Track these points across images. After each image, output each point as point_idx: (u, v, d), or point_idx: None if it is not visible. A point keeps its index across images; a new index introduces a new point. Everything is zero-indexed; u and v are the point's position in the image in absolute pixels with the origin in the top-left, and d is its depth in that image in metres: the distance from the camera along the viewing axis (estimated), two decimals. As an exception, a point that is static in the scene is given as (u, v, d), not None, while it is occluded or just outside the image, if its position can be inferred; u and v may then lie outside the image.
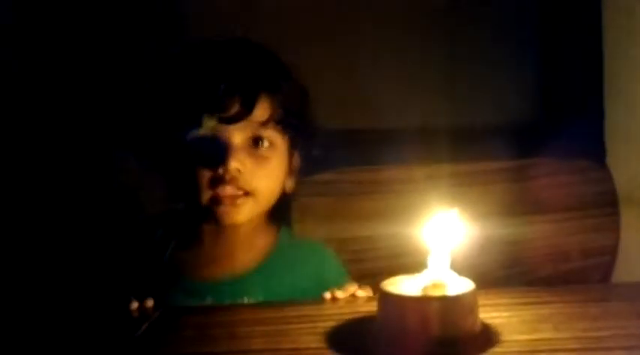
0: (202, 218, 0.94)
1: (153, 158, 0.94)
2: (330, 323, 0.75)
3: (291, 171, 0.97)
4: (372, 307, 0.74)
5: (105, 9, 1.31)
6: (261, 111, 0.89)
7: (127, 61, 1.30)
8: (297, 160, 0.97)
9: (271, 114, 0.90)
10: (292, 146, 0.95)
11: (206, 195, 0.89)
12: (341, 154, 1.20)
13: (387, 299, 0.71)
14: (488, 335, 0.71)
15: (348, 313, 0.79)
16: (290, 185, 0.97)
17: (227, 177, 0.88)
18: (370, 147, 1.23)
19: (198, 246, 0.96)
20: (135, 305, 0.83)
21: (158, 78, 0.92)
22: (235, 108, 0.87)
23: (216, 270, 0.94)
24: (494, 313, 0.75)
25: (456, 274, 0.73)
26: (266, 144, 0.91)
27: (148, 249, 0.97)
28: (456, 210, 0.74)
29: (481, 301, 0.71)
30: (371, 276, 1.07)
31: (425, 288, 0.71)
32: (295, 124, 0.93)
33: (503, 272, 1.08)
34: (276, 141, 0.92)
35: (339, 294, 0.87)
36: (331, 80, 1.28)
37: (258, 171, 0.90)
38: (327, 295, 0.87)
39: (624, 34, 1.20)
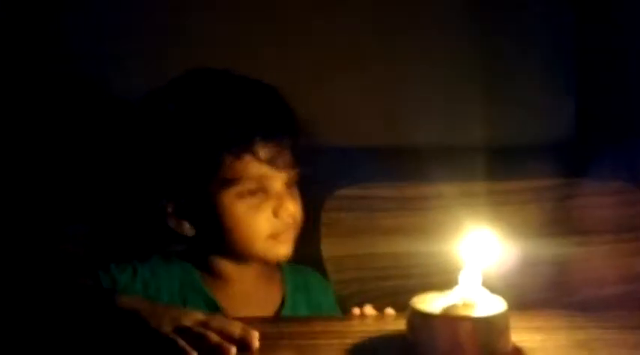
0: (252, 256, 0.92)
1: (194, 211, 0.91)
2: (357, 340, 0.74)
3: None
4: (399, 325, 0.73)
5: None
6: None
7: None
8: None
9: (297, 156, 0.93)
10: None
11: (263, 241, 0.90)
12: (372, 171, 1.18)
13: (417, 318, 0.69)
14: (521, 358, 0.68)
15: (375, 330, 0.77)
16: None
17: (289, 220, 0.90)
18: (402, 164, 1.21)
19: (225, 283, 0.94)
20: None
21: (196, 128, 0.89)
22: (288, 155, 0.90)
23: (248, 310, 0.91)
24: (526, 336, 0.73)
25: (488, 292, 0.71)
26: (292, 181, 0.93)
27: None
28: (489, 228, 0.72)
29: (514, 323, 0.70)
30: (397, 294, 1.06)
31: (456, 307, 0.69)
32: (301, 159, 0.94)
33: (537, 295, 1.05)
34: (296, 177, 0.94)
35: (368, 310, 0.86)
36: (366, 97, 1.27)
37: (296, 207, 0.92)
38: (356, 311, 0.87)
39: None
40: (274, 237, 0.90)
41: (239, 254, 0.92)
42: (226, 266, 0.94)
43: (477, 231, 0.72)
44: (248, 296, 0.94)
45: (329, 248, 1.09)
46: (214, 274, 0.94)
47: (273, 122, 0.90)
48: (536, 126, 1.31)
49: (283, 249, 0.91)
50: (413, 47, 1.29)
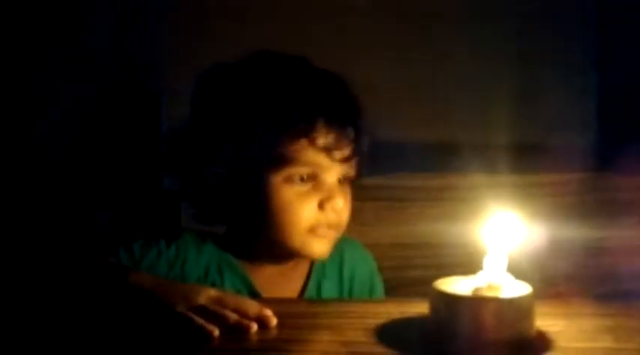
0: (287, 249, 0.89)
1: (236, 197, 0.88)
2: (379, 321, 0.74)
3: None
4: (421, 308, 0.73)
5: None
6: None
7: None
8: None
9: (356, 152, 0.89)
10: None
11: (303, 234, 0.86)
12: (400, 164, 1.19)
13: (441, 299, 0.69)
14: (544, 341, 0.68)
15: (397, 312, 0.77)
16: None
17: (332, 216, 0.86)
18: (431, 157, 1.22)
19: (256, 264, 0.92)
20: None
21: (242, 111, 0.86)
22: (350, 148, 0.87)
23: (274, 291, 0.91)
24: (550, 321, 0.72)
25: (512, 277, 0.70)
26: (347, 179, 0.90)
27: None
28: (514, 213, 0.72)
29: (538, 309, 0.69)
30: (419, 284, 1.05)
31: (480, 289, 0.69)
32: (365, 158, 0.91)
33: (562, 286, 1.04)
34: (351, 175, 0.90)
35: None
36: (395, 93, 1.29)
37: (345, 206, 0.89)
38: None
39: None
40: (314, 230, 0.86)
41: (275, 243, 0.88)
42: (261, 250, 0.91)
43: (502, 215, 0.72)
44: (278, 275, 0.92)
45: (350, 236, 1.10)
46: (247, 255, 0.92)
47: (337, 110, 0.86)
48: (561, 125, 1.32)
49: (320, 246, 0.87)
50: (449, 48, 1.30)
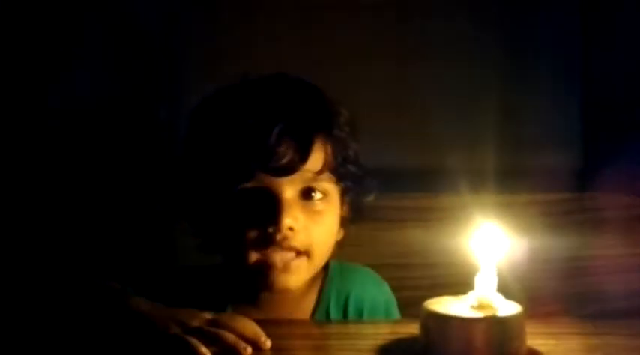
0: (249, 279, 0.83)
1: (191, 216, 0.85)
2: (371, 342, 0.74)
3: (342, 221, 0.86)
4: (412, 329, 0.73)
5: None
6: (316, 159, 0.79)
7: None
8: (346, 209, 0.87)
9: (325, 162, 0.80)
10: (343, 194, 0.85)
11: (253, 258, 0.78)
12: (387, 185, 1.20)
13: (431, 319, 0.69)
14: (535, 360, 0.69)
15: (387, 333, 0.77)
16: (340, 235, 0.87)
17: (278, 236, 0.77)
18: (416, 181, 1.23)
19: (250, 301, 0.86)
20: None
21: (197, 123, 0.84)
22: (288, 158, 0.77)
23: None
24: (540, 340, 0.73)
25: (502, 296, 0.71)
26: (318, 195, 0.80)
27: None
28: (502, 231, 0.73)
29: (527, 329, 0.70)
30: (408, 306, 1.06)
31: (470, 309, 0.69)
32: (352, 172, 0.84)
33: (545, 307, 1.05)
34: (329, 192, 0.81)
35: None
36: (379, 115, 1.30)
37: (313, 228, 0.79)
38: None
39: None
40: (260, 257, 0.78)
41: (239, 272, 0.82)
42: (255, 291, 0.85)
43: (490, 233, 0.73)
44: (285, 309, 0.86)
45: (336, 257, 1.10)
46: (248, 300, 0.86)
47: (276, 119, 0.77)
48: (546, 146, 1.33)
49: (273, 275, 0.78)
50: (433, 67, 1.32)
